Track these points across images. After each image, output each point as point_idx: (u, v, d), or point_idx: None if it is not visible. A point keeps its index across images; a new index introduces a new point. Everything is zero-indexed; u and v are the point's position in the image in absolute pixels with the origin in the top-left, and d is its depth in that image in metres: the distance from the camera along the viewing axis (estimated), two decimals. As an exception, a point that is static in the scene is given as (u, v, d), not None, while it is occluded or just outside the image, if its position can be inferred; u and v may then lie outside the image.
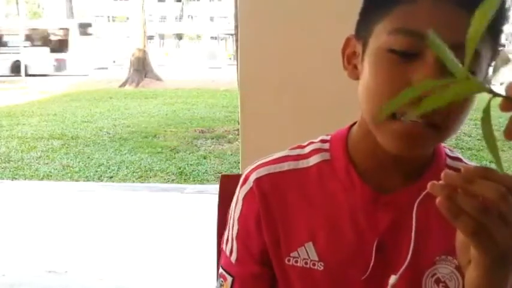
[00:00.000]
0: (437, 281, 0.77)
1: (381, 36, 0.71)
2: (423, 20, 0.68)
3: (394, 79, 0.69)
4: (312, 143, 0.87)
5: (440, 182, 0.56)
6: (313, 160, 0.85)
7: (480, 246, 0.57)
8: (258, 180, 0.84)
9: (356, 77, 0.78)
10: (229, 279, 0.85)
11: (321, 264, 0.79)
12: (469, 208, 0.54)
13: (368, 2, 0.77)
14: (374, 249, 0.77)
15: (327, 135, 0.88)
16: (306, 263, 0.80)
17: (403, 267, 0.70)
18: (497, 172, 0.56)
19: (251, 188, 0.84)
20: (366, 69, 0.73)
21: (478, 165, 0.60)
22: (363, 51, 0.75)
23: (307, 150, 0.87)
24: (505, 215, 0.55)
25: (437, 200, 0.55)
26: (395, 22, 0.70)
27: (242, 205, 0.86)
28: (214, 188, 2.38)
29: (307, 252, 0.80)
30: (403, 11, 0.70)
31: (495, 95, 0.45)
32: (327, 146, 0.85)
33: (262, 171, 0.85)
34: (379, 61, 0.71)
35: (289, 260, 0.81)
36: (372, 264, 0.77)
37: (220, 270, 0.88)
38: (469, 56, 0.43)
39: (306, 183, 0.83)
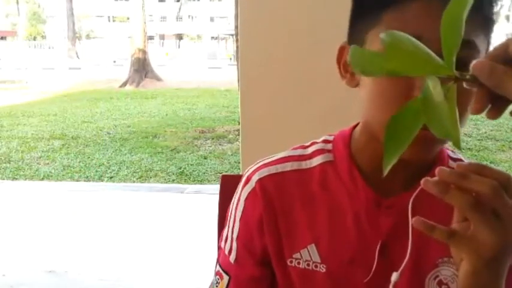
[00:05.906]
0: (440, 283, 0.77)
1: (374, 44, 0.71)
2: (415, 22, 0.67)
3: (397, 82, 0.67)
4: (315, 143, 0.86)
5: (434, 178, 0.56)
6: (316, 161, 0.84)
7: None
8: (260, 180, 0.83)
9: (355, 84, 0.76)
10: (226, 278, 0.85)
11: (323, 266, 0.79)
12: (462, 203, 0.55)
13: (356, 11, 0.76)
14: (377, 252, 0.77)
15: (330, 135, 0.87)
16: (308, 265, 0.79)
17: (403, 264, 0.70)
18: (490, 168, 0.57)
19: (254, 189, 0.83)
20: (367, 77, 0.72)
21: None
22: None
23: (309, 150, 0.86)
24: (497, 210, 0.55)
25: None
26: (387, 29, 0.69)
27: (244, 206, 0.84)
28: (215, 188, 2.38)
29: (309, 254, 0.80)
30: (393, 17, 0.69)
31: (459, 79, 0.45)
32: (329, 146, 0.84)
33: (265, 172, 0.84)
34: None
35: (291, 262, 0.80)
36: (374, 267, 0.77)
37: (217, 267, 0.87)
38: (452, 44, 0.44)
39: (309, 184, 0.82)
